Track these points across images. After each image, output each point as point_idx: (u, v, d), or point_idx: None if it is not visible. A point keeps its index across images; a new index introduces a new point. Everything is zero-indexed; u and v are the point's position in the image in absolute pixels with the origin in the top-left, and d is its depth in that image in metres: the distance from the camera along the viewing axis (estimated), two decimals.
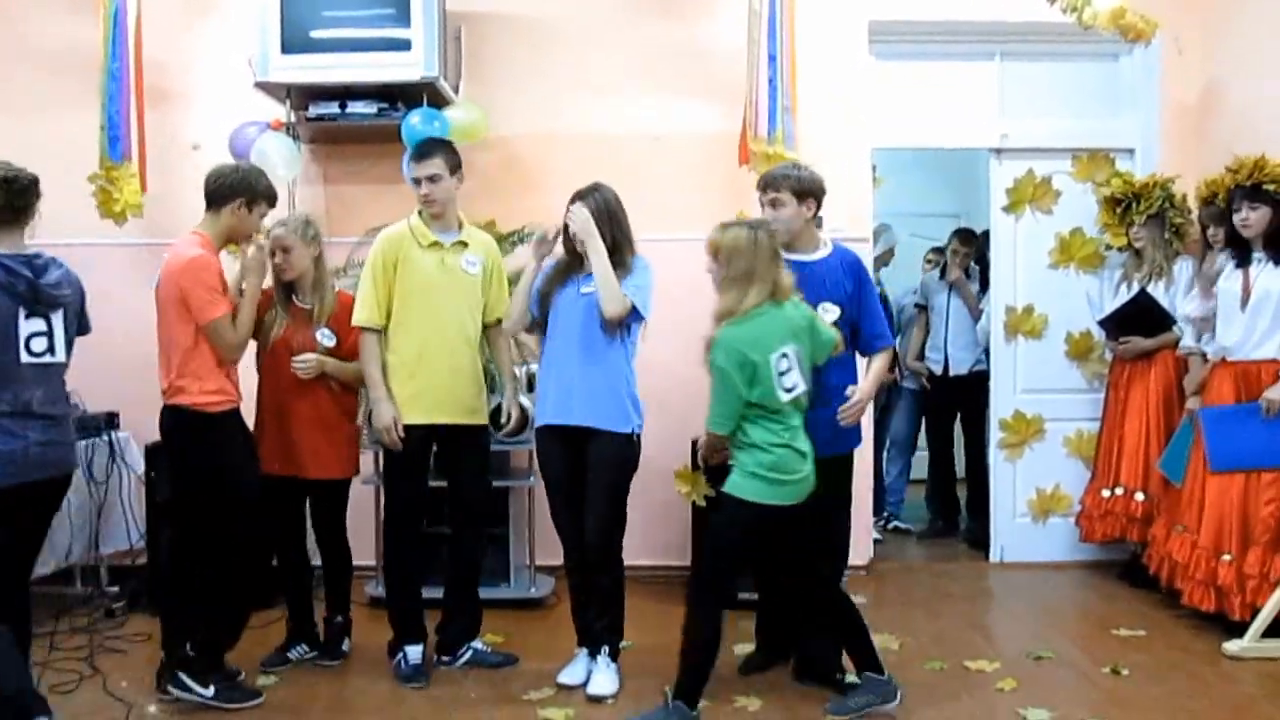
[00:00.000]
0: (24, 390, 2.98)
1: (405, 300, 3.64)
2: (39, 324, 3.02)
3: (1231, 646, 3.89)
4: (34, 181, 3.09)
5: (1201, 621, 4.17)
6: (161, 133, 4.88)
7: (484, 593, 4.00)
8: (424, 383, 3.66)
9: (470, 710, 3.48)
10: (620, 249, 3.55)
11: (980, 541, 5.50)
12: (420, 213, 3.72)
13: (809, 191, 3.53)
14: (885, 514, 6.07)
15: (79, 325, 3.22)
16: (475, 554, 3.90)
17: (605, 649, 3.61)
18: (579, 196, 3.58)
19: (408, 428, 3.63)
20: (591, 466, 3.56)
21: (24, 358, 2.97)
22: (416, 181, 3.68)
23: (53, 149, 4.89)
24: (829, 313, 3.46)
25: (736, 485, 3.21)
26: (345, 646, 3.93)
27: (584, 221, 3.51)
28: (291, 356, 3.70)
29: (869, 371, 3.61)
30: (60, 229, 4.92)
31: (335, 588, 3.92)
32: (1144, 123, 5.25)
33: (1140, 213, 4.80)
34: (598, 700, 3.50)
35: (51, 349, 3.03)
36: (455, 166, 3.73)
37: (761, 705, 3.46)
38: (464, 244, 3.75)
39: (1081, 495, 5.08)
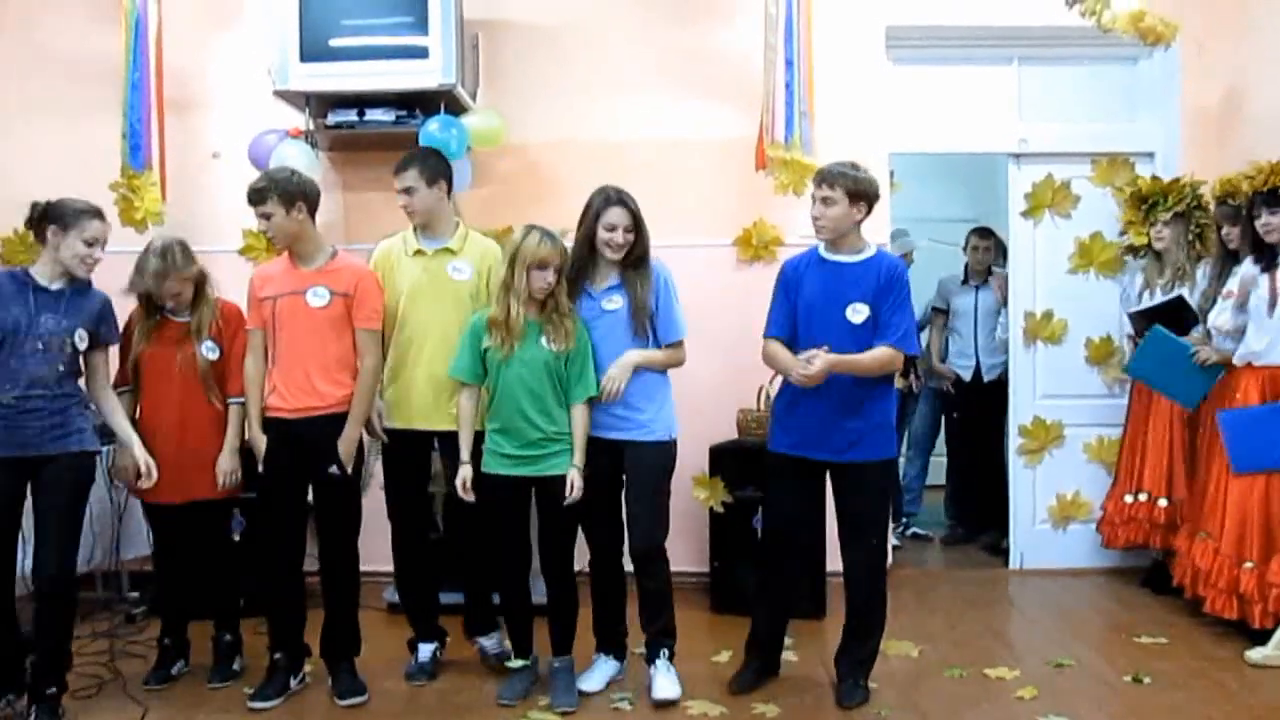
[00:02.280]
0: None
1: (391, 307, 3.72)
2: None
3: (1254, 655, 3.86)
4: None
5: (1224, 629, 4.13)
6: (182, 141, 4.91)
7: (495, 597, 4.00)
8: (403, 389, 3.73)
9: (481, 710, 3.48)
10: (647, 253, 3.60)
11: (999, 548, 5.47)
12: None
13: (863, 194, 3.48)
14: (904, 520, 6.04)
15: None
16: (467, 557, 3.88)
17: (664, 652, 3.61)
18: (618, 202, 3.54)
19: (388, 431, 3.75)
20: (632, 474, 3.58)
21: None
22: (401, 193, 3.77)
23: (74, 157, 4.97)
24: (859, 313, 3.46)
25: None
26: (236, 665, 3.86)
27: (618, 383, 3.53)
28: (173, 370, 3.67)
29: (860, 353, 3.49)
30: None
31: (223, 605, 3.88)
32: (1164, 126, 5.22)
33: (1167, 209, 4.76)
34: (665, 704, 3.49)
35: None
36: (435, 177, 3.75)
37: (780, 712, 3.45)
38: (450, 251, 3.77)
39: (1103, 501, 5.05)
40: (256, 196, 3.54)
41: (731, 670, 3.75)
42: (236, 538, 4.45)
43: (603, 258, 3.57)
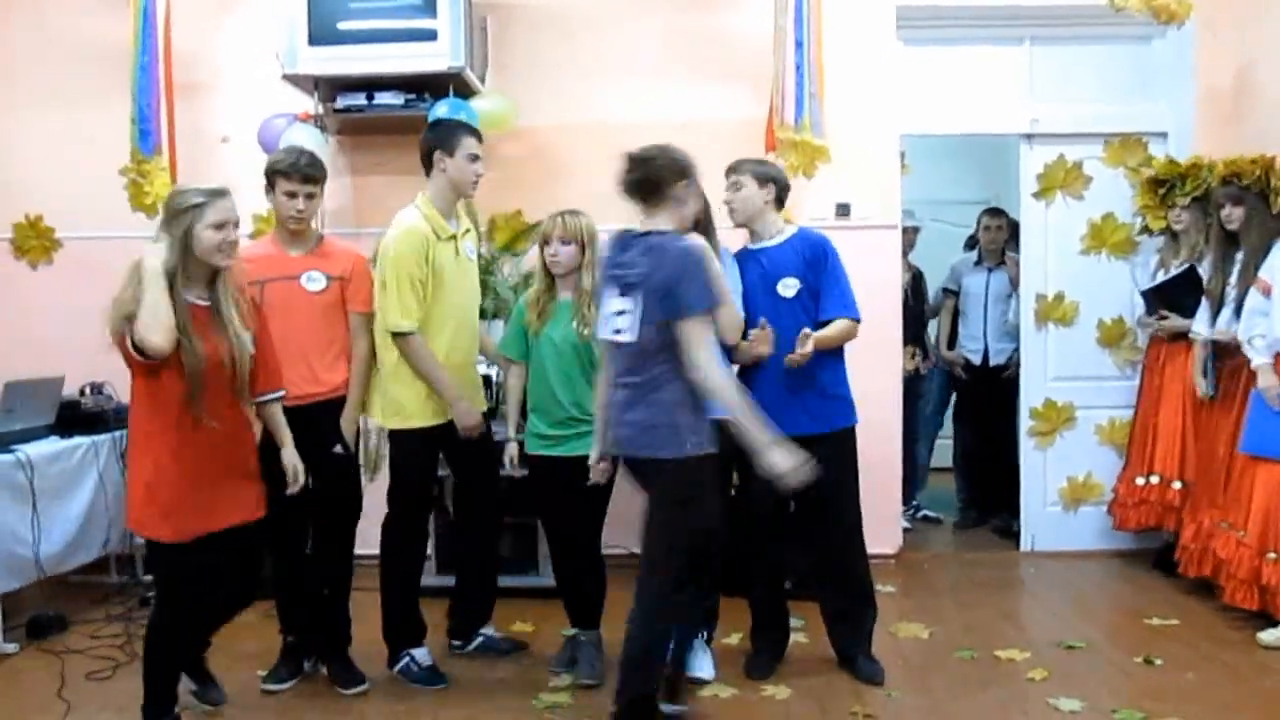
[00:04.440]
0: (614, 366, 3.02)
1: (433, 296, 3.53)
2: (624, 302, 2.94)
3: (1266, 636, 3.85)
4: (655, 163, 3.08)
5: (1236, 611, 4.12)
6: (191, 125, 4.91)
7: (512, 582, 4.01)
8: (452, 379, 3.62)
9: (495, 694, 3.50)
10: (711, 228, 3.57)
11: (1010, 530, 5.47)
12: (425, 202, 3.60)
13: (770, 178, 3.64)
14: (914, 503, 6.04)
15: (670, 306, 2.86)
16: (495, 543, 3.92)
17: (703, 634, 3.65)
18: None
19: (424, 430, 3.57)
20: None
21: (603, 333, 3.04)
22: (474, 158, 3.61)
23: (83, 142, 5.00)
24: (789, 287, 3.55)
25: None
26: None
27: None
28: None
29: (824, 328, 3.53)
30: (91, 221, 5.07)
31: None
32: (1177, 107, 5.18)
33: (1185, 193, 4.72)
34: (698, 683, 3.51)
35: (628, 329, 2.92)
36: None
37: (791, 694, 3.46)
38: (467, 231, 3.75)
39: (1114, 483, 5.04)
40: (315, 173, 3.50)
41: (741, 652, 3.77)
42: None
43: None
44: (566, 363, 3.51)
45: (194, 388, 2.89)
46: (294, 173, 3.47)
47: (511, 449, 3.68)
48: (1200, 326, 4.49)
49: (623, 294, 2.93)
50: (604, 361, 3.15)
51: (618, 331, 2.93)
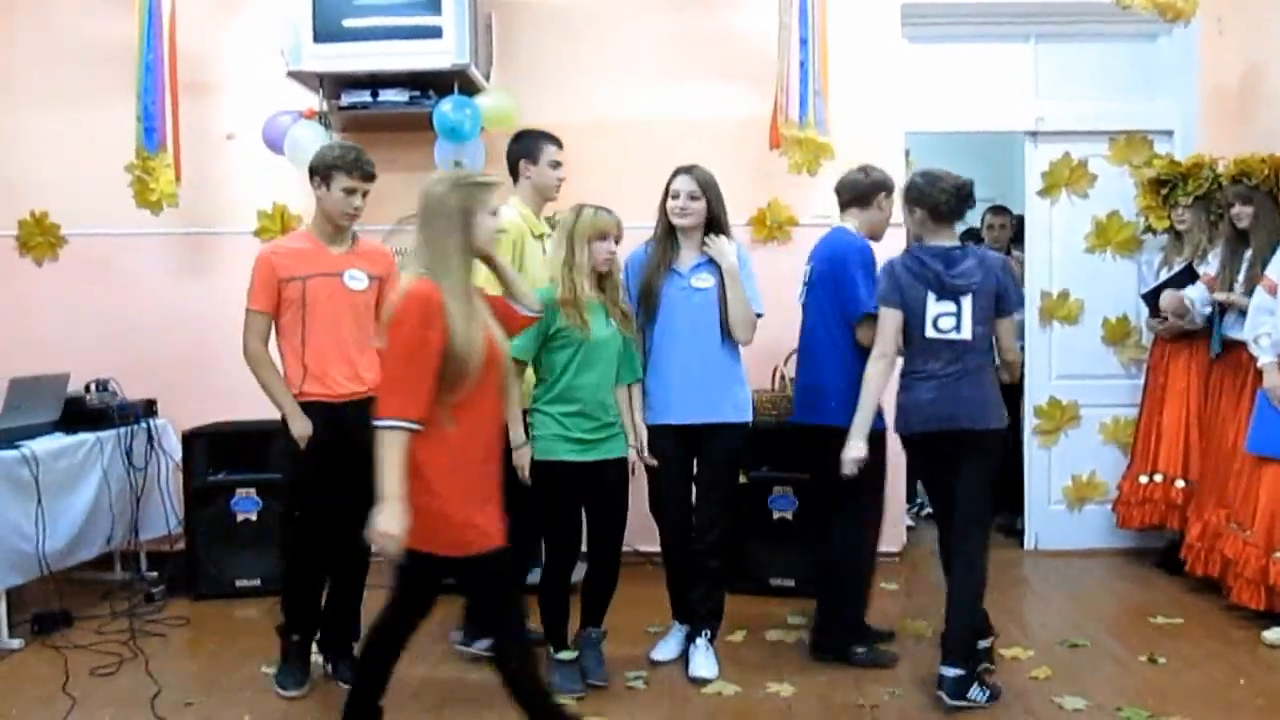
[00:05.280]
0: (930, 359, 3.39)
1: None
2: (948, 305, 3.36)
3: (1271, 635, 3.85)
4: (971, 193, 3.46)
5: (1241, 610, 4.11)
6: (196, 123, 4.92)
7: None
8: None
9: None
10: (723, 227, 3.66)
11: (1014, 529, 5.46)
12: (519, 203, 3.78)
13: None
14: (918, 501, 6.03)
15: (1000, 306, 3.42)
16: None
17: (707, 632, 3.66)
18: (683, 171, 3.65)
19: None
20: (710, 459, 3.63)
21: (929, 333, 3.38)
22: (556, 165, 3.81)
23: (88, 140, 5.01)
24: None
25: None
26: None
27: (729, 252, 3.61)
28: None
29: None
30: (97, 219, 5.08)
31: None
32: (1183, 104, 5.17)
33: (1187, 193, 4.71)
34: (700, 682, 3.52)
35: (958, 327, 3.37)
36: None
37: (795, 691, 3.46)
38: (545, 235, 3.81)
39: (1118, 481, 5.03)
40: (373, 171, 3.46)
41: (746, 650, 3.78)
42: (254, 518, 4.50)
43: (682, 234, 3.64)
44: (611, 364, 3.47)
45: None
46: (355, 170, 3.42)
47: (526, 456, 3.39)
48: (1194, 293, 4.53)
49: (948, 298, 3.36)
50: (884, 349, 3.44)
51: (944, 330, 3.37)
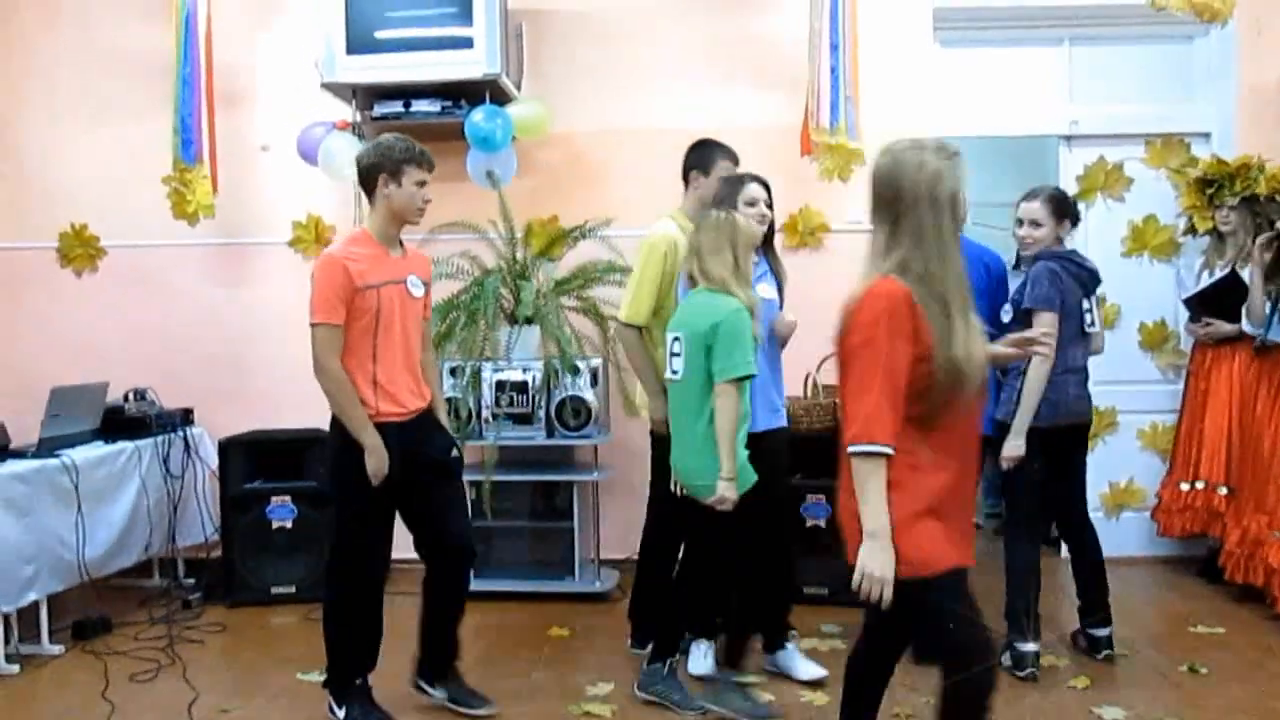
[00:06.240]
0: (1079, 353, 3.71)
1: (664, 303, 3.66)
2: (1090, 303, 3.72)
3: None
4: None
5: None
6: (231, 134, 4.98)
7: (548, 586, 3.99)
8: None
9: (535, 697, 3.50)
10: (771, 235, 3.69)
11: (1050, 536, 5.39)
12: (679, 214, 3.78)
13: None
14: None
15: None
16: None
17: (795, 634, 3.73)
18: (752, 178, 3.60)
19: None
20: (771, 464, 3.44)
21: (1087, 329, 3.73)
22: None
23: (127, 152, 5.09)
24: None
25: None
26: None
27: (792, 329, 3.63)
28: None
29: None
30: (135, 230, 5.15)
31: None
32: (1220, 106, 5.10)
33: (1235, 193, 4.64)
34: (816, 685, 3.55)
35: (1094, 322, 3.75)
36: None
37: (829, 700, 3.43)
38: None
39: (1158, 489, 4.96)
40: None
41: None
42: (289, 525, 4.54)
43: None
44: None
45: None
46: (425, 161, 3.20)
47: (732, 489, 3.15)
48: (1246, 326, 4.45)
49: (1090, 296, 3.71)
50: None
51: (1092, 325, 3.72)
